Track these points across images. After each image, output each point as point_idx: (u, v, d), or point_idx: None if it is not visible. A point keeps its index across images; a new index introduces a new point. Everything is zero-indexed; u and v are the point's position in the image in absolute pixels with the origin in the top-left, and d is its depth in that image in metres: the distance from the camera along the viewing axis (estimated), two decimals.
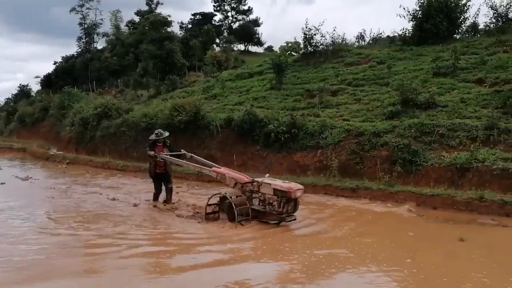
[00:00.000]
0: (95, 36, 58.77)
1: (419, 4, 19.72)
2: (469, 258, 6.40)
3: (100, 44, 60.17)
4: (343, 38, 22.40)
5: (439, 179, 10.80)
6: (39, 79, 61.27)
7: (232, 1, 71.02)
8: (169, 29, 36.23)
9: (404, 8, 20.23)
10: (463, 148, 11.20)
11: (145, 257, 6.49)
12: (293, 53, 24.32)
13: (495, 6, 18.47)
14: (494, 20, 18.74)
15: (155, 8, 56.87)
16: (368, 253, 6.57)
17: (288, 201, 7.91)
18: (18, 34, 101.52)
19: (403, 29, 21.05)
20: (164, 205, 10.11)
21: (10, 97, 57.40)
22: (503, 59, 15.11)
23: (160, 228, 8.20)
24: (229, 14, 72.03)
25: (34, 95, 52.35)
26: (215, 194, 8.68)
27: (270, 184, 8.03)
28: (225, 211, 8.36)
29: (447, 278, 5.46)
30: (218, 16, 71.12)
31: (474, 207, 9.27)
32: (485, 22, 19.58)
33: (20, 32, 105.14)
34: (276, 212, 7.97)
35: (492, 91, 13.33)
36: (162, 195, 10.38)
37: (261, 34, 71.42)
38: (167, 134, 10.41)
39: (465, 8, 19.53)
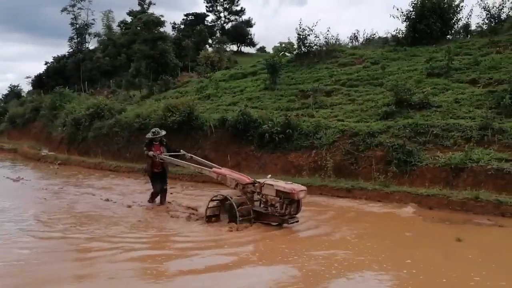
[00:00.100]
0: (87, 36, 58.33)
1: (413, 4, 19.76)
2: (468, 258, 6.37)
3: (92, 44, 59.81)
4: (336, 38, 22.41)
5: (434, 179, 10.81)
6: (30, 80, 60.85)
7: (225, 2, 70.93)
8: (161, 29, 36.08)
9: (397, 9, 20.31)
10: (458, 148, 11.21)
11: (140, 262, 6.27)
12: (287, 54, 24.31)
13: (488, 7, 18.57)
14: (486, 21, 18.81)
15: (147, 8, 56.63)
16: (368, 254, 6.51)
17: (291, 203, 7.77)
18: (8, 34, 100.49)
19: (397, 30, 21.13)
20: (158, 205, 10.02)
21: (1, 97, 56.76)
22: (496, 60, 15.16)
23: (155, 230, 8.06)
24: (222, 14, 71.99)
25: (25, 95, 51.81)
26: (216, 196, 8.47)
27: (272, 185, 7.87)
28: (226, 212, 8.21)
29: (446, 279, 5.43)
30: (211, 17, 71.13)
31: (469, 207, 9.28)
32: (477, 23, 19.70)
33: (11, 32, 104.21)
34: (279, 214, 7.83)
35: (485, 91, 13.36)
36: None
37: (254, 35, 71.45)
38: (164, 132, 10.27)
39: (458, 9, 19.62)
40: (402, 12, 20.10)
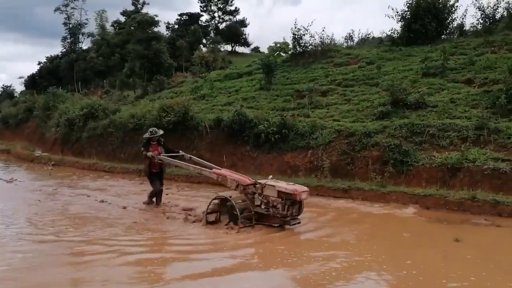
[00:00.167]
0: (80, 36, 58.28)
1: (408, 4, 19.79)
2: (466, 259, 6.35)
3: (85, 44, 59.67)
4: (331, 38, 22.40)
5: (430, 179, 10.79)
6: (23, 80, 60.55)
7: (219, 2, 70.86)
8: (156, 29, 35.99)
9: (392, 9, 20.34)
10: (454, 148, 11.20)
11: (137, 266, 6.09)
12: (282, 54, 24.28)
13: (483, 7, 18.62)
14: (481, 21, 18.87)
15: (141, 8, 56.45)
16: (368, 255, 6.47)
17: (293, 204, 7.67)
18: (0, 34, 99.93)
19: (392, 30, 21.17)
20: (154, 206, 9.92)
21: None
22: (491, 60, 15.20)
23: (151, 232, 7.93)
24: (216, 14, 72.01)
25: (17, 95, 51.49)
26: (216, 198, 8.30)
27: (274, 186, 7.74)
28: (227, 213, 8.08)
29: (446, 279, 5.41)
30: (205, 17, 71.05)
31: (466, 207, 9.26)
32: (472, 23, 19.75)
33: (3, 31, 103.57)
34: (280, 215, 7.71)
35: (481, 91, 13.39)
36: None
37: (248, 34, 71.52)
38: (161, 132, 10.16)
39: (453, 9, 19.66)
40: (397, 12, 20.17)
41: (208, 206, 8.20)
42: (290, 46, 22.31)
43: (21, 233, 7.86)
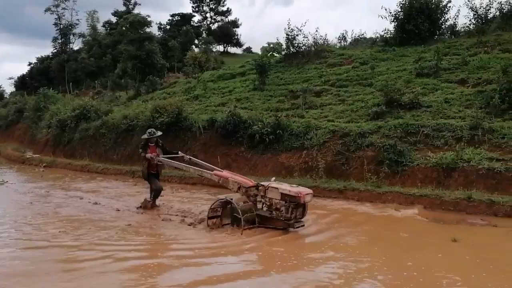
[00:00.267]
0: (71, 36, 57.89)
1: (401, 5, 19.82)
2: (466, 259, 6.33)
3: (76, 44, 59.25)
4: (325, 39, 22.37)
5: (425, 179, 10.79)
6: (13, 81, 60.01)
7: (211, 2, 70.72)
8: (148, 30, 35.79)
9: (385, 9, 20.37)
10: (448, 148, 11.22)
11: (132, 272, 5.80)
12: (275, 54, 24.23)
13: (475, 7, 18.68)
14: (474, 21, 18.92)
15: (133, 9, 56.20)
16: (369, 256, 6.43)
17: (297, 207, 7.53)
18: None
19: (385, 30, 21.21)
20: (149, 208, 9.79)
21: None
22: (485, 60, 15.25)
23: (147, 236, 7.77)
24: (208, 15, 71.88)
25: (7, 96, 50.94)
26: (218, 200, 8.13)
27: (277, 188, 7.60)
28: (229, 216, 7.93)
29: (447, 280, 5.38)
30: (197, 17, 70.89)
31: (462, 207, 9.27)
32: (465, 23, 19.82)
33: None
34: (284, 218, 7.57)
35: (475, 91, 13.44)
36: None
37: (240, 35, 71.42)
38: (159, 133, 10.04)
39: (446, 9, 19.71)
40: (390, 13, 20.19)
41: (210, 208, 8.06)
42: (284, 46, 22.25)
43: (11, 237, 7.66)
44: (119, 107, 23.77)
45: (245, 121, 14.48)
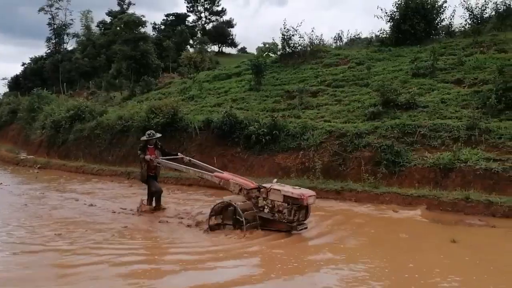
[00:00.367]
0: (65, 36, 57.33)
1: (396, 5, 19.82)
2: (466, 261, 6.32)
3: (70, 45, 58.72)
4: (320, 39, 22.34)
5: (423, 180, 10.78)
6: (6, 81, 59.53)
7: (206, 2, 70.53)
8: (142, 30, 35.62)
9: (381, 9, 20.37)
10: (445, 149, 11.22)
11: (130, 278, 5.63)
12: (271, 54, 24.16)
13: (471, 7, 18.72)
14: (469, 21, 18.96)
15: (127, 9, 55.93)
16: (370, 258, 6.39)
17: (300, 209, 7.45)
18: None
19: (381, 30, 21.20)
20: (146, 211, 9.68)
21: None
22: (480, 60, 15.27)
23: (145, 239, 7.63)
24: (203, 15, 71.60)
25: (1, 97, 50.54)
26: (220, 202, 7.99)
27: (279, 190, 7.52)
28: (230, 219, 7.77)
29: (449, 281, 5.36)
30: (192, 17, 70.57)
31: (460, 207, 9.25)
32: (461, 23, 19.85)
33: None
34: (286, 221, 7.48)
35: (471, 91, 13.43)
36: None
37: (235, 35, 71.27)
38: (159, 135, 9.93)
39: (442, 9, 19.73)
40: (386, 13, 20.20)
41: (211, 210, 7.93)
42: (279, 46, 22.17)
43: (5, 241, 7.53)
44: (114, 108, 23.61)
45: (241, 121, 14.42)
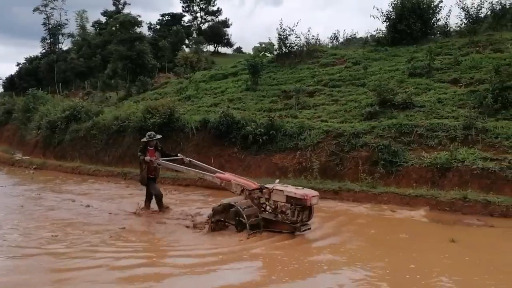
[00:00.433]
0: (60, 36, 57.11)
1: (392, 5, 19.85)
2: (466, 261, 6.32)
3: (65, 45, 58.50)
4: (317, 39, 22.35)
5: (420, 180, 10.78)
6: (1, 81, 59.26)
7: (201, 2, 70.43)
8: (138, 30, 35.51)
9: (377, 9, 20.41)
10: (442, 148, 11.22)
11: (129, 282, 5.49)
12: (267, 54, 24.16)
13: (466, 7, 18.76)
14: (465, 21, 19.00)
15: (122, 9, 55.79)
16: (371, 259, 6.37)
17: (303, 209, 7.37)
18: None
19: (377, 30, 21.25)
20: (144, 211, 9.62)
21: None
22: (477, 60, 15.31)
23: (143, 241, 7.50)
24: (198, 15, 71.51)
25: None
26: (222, 204, 7.89)
27: (282, 191, 7.43)
28: (232, 220, 7.70)
29: (450, 283, 5.36)
30: (187, 17, 70.49)
31: (458, 207, 9.26)
32: (456, 23, 19.92)
33: None
34: (290, 221, 7.39)
35: (467, 91, 13.47)
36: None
37: (231, 35, 71.23)
38: (159, 136, 9.83)
39: (437, 9, 19.79)
40: (382, 13, 20.23)
41: (212, 212, 7.83)
42: (276, 46, 22.18)
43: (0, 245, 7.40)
44: (110, 108, 23.49)
45: (238, 121, 14.38)
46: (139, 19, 34.95)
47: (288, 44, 21.30)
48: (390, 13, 19.97)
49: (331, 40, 24.64)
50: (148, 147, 9.44)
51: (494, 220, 8.56)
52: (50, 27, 55.21)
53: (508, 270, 5.89)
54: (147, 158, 9.22)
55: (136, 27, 34.68)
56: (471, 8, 18.65)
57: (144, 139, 9.54)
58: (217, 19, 71.59)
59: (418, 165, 10.99)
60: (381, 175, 11.22)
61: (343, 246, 7.10)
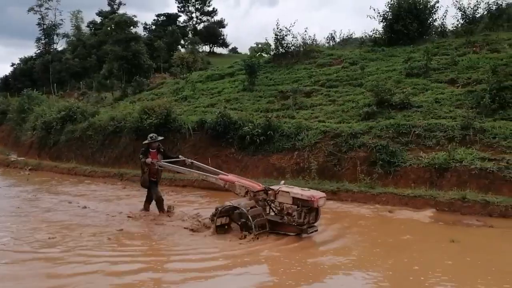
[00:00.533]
0: (55, 37, 56.90)
1: (389, 5, 19.86)
2: (467, 261, 6.31)
3: (60, 45, 58.29)
4: (313, 39, 22.33)
5: (418, 180, 10.77)
6: None
7: (196, 2, 70.30)
8: (133, 30, 35.38)
9: (374, 9, 20.40)
10: (440, 148, 11.22)
11: None
12: (264, 54, 24.10)
13: (463, 7, 18.80)
14: (462, 21, 19.04)
15: (118, 9, 55.57)
16: (372, 260, 6.34)
17: (310, 211, 7.27)
18: None
19: (374, 30, 21.25)
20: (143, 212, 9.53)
21: None
22: (474, 60, 15.32)
23: (141, 244, 7.36)
24: (194, 15, 71.36)
25: None
26: (226, 205, 7.76)
27: (288, 192, 7.33)
28: (237, 222, 7.57)
29: (452, 284, 5.35)
30: (183, 17, 70.37)
31: (457, 207, 9.25)
32: (453, 23, 19.95)
33: None
34: (296, 224, 7.27)
35: (465, 91, 13.47)
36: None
37: (226, 35, 71.13)
38: (161, 138, 9.69)
39: (434, 9, 19.80)
40: (379, 13, 20.23)
41: (216, 213, 7.68)
42: (272, 46, 22.12)
43: None
44: (106, 109, 23.38)
45: (235, 122, 14.33)
46: (135, 19, 34.86)
47: (285, 44, 21.27)
48: (387, 13, 19.98)
49: (328, 41, 24.66)
50: (150, 150, 9.30)
51: (493, 220, 8.54)
52: (44, 27, 55.03)
53: (510, 270, 5.88)
54: (148, 160, 9.10)
55: (131, 27, 34.56)
56: (468, 9, 18.76)
57: (146, 141, 9.41)
58: (212, 19, 71.52)
59: (416, 165, 10.97)
60: (379, 175, 11.19)
61: (347, 248, 7.03)
